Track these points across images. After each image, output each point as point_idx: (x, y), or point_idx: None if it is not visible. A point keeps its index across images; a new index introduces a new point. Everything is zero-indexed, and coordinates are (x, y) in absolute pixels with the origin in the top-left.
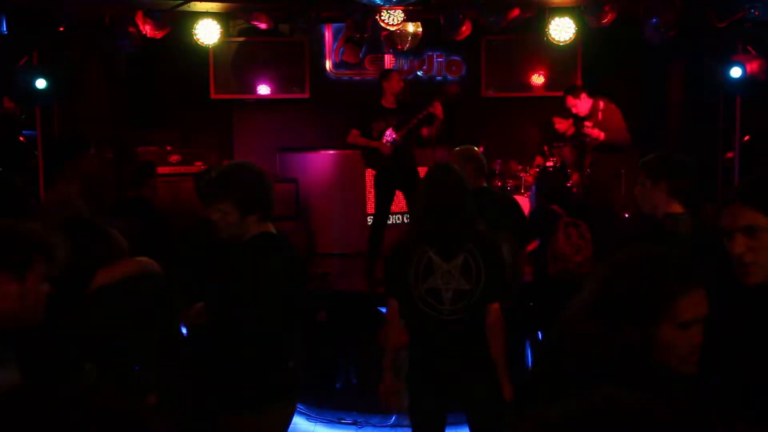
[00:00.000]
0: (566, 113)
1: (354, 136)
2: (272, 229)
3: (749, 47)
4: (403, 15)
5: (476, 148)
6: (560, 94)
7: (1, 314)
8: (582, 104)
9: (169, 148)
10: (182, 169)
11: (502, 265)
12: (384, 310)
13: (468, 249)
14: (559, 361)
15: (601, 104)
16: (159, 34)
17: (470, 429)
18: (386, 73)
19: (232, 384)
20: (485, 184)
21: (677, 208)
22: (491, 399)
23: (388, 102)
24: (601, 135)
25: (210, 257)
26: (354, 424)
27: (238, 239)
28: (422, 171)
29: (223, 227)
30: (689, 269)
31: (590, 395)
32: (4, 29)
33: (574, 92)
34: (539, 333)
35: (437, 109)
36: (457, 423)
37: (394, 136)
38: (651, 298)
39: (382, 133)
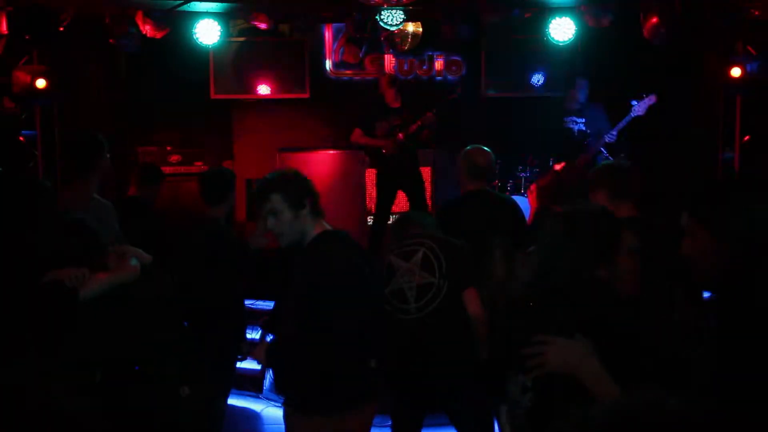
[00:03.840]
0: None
1: (357, 135)
2: (329, 227)
3: (749, 47)
4: (403, 15)
5: (481, 148)
6: (560, 94)
7: None
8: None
9: (169, 148)
10: (182, 169)
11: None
12: None
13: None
14: None
15: None
16: (159, 34)
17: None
18: (377, 84)
19: (312, 388)
20: (481, 187)
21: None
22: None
23: (393, 102)
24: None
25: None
26: None
27: (300, 242)
28: (424, 171)
29: (280, 231)
30: None
31: (634, 397)
32: (4, 29)
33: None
34: None
35: (429, 119)
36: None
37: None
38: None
39: (386, 132)
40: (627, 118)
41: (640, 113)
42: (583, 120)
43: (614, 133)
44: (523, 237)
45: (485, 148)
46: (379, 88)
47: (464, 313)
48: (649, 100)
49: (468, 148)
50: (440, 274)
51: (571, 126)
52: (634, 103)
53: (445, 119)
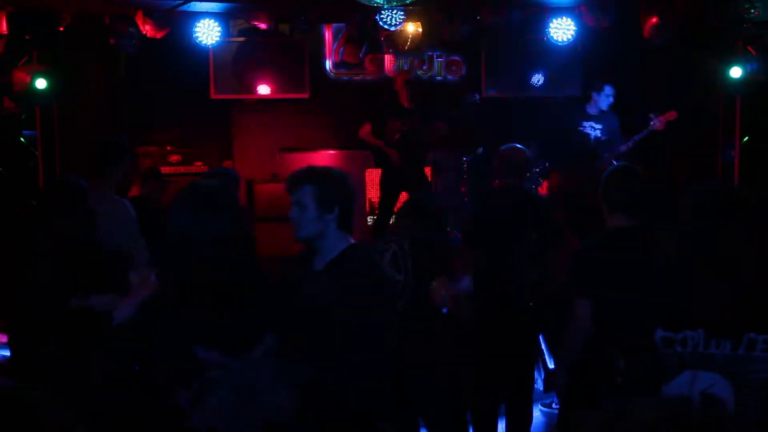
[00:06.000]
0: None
1: (367, 132)
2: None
3: (749, 47)
4: (403, 15)
5: (517, 146)
6: (560, 94)
7: None
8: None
9: (169, 148)
10: (182, 169)
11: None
12: None
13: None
14: None
15: None
16: (159, 34)
17: None
18: (392, 80)
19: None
20: (515, 183)
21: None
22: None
23: (406, 102)
24: None
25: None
26: None
27: (314, 243)
28: (428, 171)
29: (299, 224)
30: None
31: (605, 407)
32: (4, 29)
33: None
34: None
35: (441, 129)
36: None
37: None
38: None
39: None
40: (646, 131)
41: (658, 127)
42: (601, 126)
43: (630, 144)
44: (551, 234)
45: (520, 146)
46: (394, 85)
47: (435, 311)
48: (669, 115)
49: (504, 147)
50: (406, 272)
51: (589, 131)
52: (653, 116)
53: (457, 124)
